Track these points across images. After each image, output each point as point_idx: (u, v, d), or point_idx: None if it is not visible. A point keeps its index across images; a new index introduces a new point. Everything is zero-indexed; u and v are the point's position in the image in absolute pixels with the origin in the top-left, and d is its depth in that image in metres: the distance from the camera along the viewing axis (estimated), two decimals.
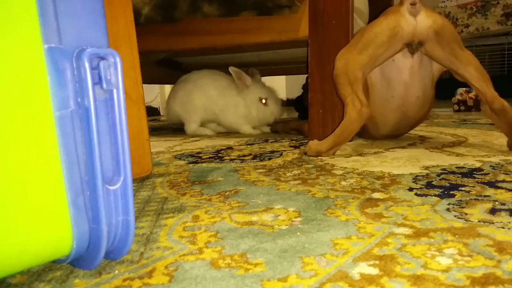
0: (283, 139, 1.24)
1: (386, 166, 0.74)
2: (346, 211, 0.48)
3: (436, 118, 1.81)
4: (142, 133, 0.72)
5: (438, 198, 0.52)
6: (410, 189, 0.57)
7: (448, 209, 0.47)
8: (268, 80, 1.73)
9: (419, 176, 0.65)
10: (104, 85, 0.32)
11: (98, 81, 0.32)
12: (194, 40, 1.30)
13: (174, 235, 0.43)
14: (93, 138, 0.32)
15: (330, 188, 0.60)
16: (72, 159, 0.31)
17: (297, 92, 1.83)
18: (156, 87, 3.14)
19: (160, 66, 1.92)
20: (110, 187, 0.33)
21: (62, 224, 0.31)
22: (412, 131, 1.24)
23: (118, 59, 0.33)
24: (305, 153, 0.91)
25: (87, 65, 0.31)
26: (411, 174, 0.67)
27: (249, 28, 1.23)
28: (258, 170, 0.75)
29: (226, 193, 0.59)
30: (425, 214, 0.46)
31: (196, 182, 0.67)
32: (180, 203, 0.55)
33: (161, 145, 1.21)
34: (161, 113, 3.04)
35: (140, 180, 0.71)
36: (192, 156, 0.97)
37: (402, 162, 0.77)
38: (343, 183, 0.63)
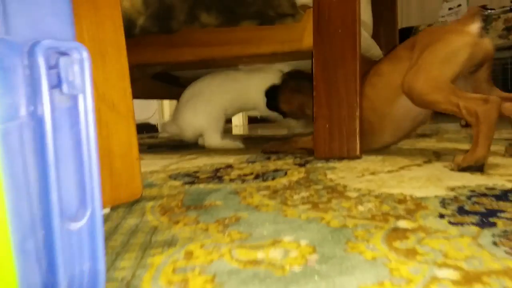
0: (286, 156, 1.16)
1: (405, 187, 0.66)
2: (371, 246, 0.40)
3: (445, 133, 1.73)
4: (132, 151, 0.64)
5: (478, 228, 0.44)
6: (441, 216, 0.49)
7: (494, 243, 0.39)
8: None
9: (447, 199, 0.57)
10: (66, 89, 0.24)
11: (57, 83, 0.24)
12: (192, 52, 1.23)
13: (161, 279, 0.34)
14: (48, 159, 0.24)
15: (346, 214, 0.52)
16: (20, 188, 0.23)
17: None
18: (154, 103, 3.06)
19: (157, 81, 1.85)
20: (73, 225, 0.25)
21: (4, 276, 0.23)
22: (424, 147, 1.17)
23: (85, 55, 0.25)
24: (463, 169, 0.80)
25: (42, 62, 0.23)
26: (436, 196, 0.59)
27: (250, 39, 1.16)
28: (261, 192, 0.67)
29: (226, 221, 0.51)
30: (468, 249, 0.38)
31: (192, 207, 0.59)
32: (172, 234, 0.47)
33: (156, 164, 1.12)
34: (159, 130, 2.96)
35: (128, 205, 0.62)
36: (188, 175, 0.88)
37: (422, 182, 0.69)
38: (360, 208, 0.54)
